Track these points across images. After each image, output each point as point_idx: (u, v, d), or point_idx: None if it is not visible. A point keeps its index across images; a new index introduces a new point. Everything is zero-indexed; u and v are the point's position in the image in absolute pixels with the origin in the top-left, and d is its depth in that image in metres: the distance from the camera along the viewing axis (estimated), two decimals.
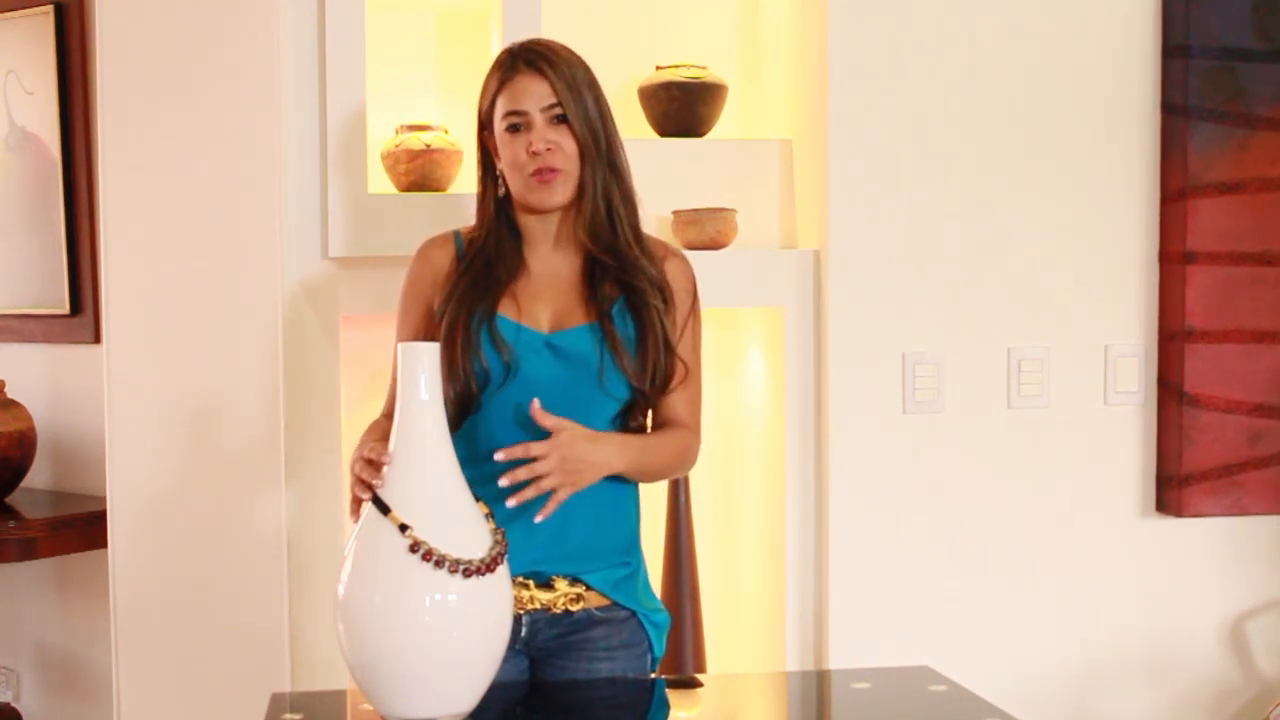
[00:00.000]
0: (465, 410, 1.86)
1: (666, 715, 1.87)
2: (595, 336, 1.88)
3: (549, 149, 1.87)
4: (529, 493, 1.75)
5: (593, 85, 1.92)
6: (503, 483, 1.74)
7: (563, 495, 1.77)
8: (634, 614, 1.94)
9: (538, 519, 1.76)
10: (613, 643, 1.92)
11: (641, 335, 1.88)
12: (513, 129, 1.89)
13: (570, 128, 1.88)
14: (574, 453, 1.78)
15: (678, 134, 2.67)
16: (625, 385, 1.88)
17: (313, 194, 2.48)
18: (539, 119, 1.88)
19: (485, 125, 1.96)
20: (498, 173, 1.95)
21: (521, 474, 1.75)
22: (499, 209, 1.96)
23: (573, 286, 1.93)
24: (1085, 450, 2.67)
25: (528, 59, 1.90)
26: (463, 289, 1.90)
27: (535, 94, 1.88)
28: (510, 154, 1.90)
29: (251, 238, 2.51)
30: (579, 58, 1.93)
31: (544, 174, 1.87)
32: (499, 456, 1.75)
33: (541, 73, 1.88)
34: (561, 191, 1.89)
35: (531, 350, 1.87)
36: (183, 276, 2.61)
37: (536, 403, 1.78)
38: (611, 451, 1.84)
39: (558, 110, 1.88)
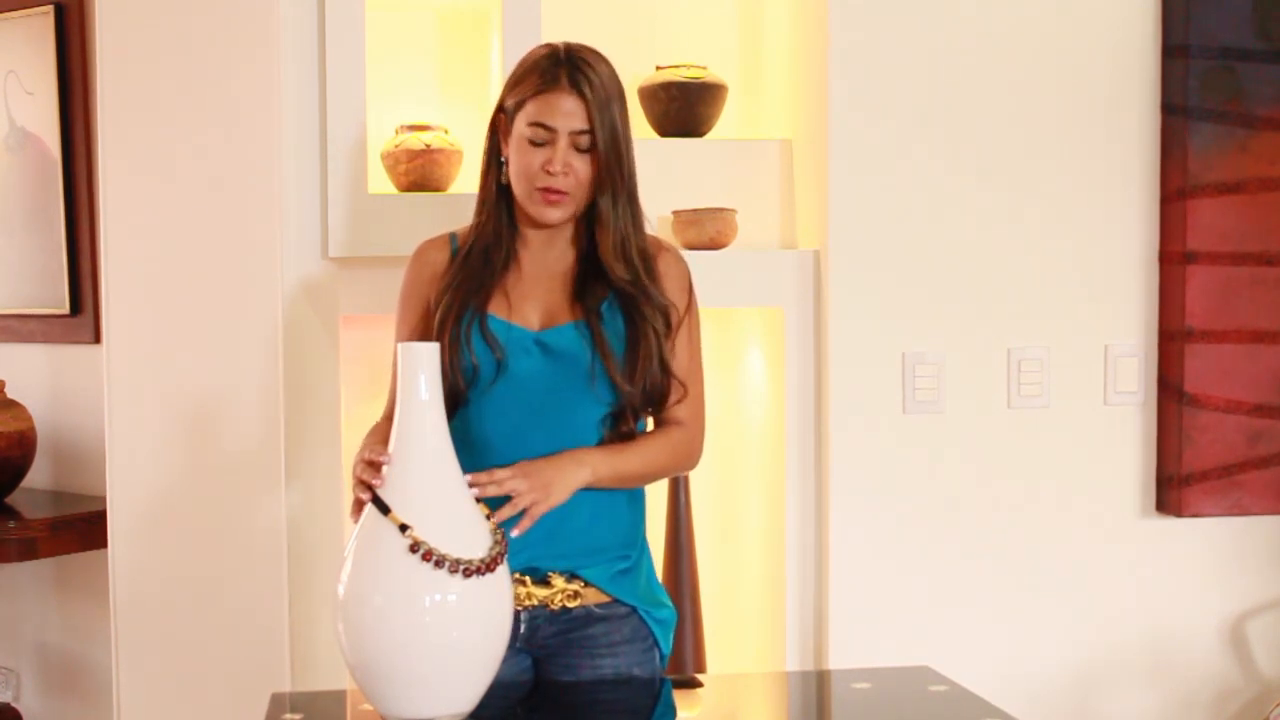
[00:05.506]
0: (454, 405, 1.86)
1: (673, 718, 1.87)
2: (583, 334, 1.87)
3: (565, 173, 1.85)
4: (506, 511, 1.74)
5: (621, 100, 1.89)
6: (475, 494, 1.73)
7: (536, 512, 1.77)
8: (634, 610, 1.93)
9: (515, 533, 1.75)
10: (614, 639, 1.91)
11: (632, 339, 1.87)
12: (534, 141, 1.86)
13: (593, 155, 1.86)
14: (537, 473, 1.78)
15: (678, 134, 2.67)
16: (611, 389, 1.87)
17: (313, 194, 2.48)
18: (564, 140, 1.85)
19: (505, 110, 1.92)
20: (503, 158, 1.93)
21: (492, 490, 1.74)
22: (500, 194, 1.94)
23: (563, 284, 1.92)
24: (1085, 450, 2.67)
25: (571, 74, 1.85)
26: (457, 283, 1.90)
27: (569, 114, 1.84)
28: (524, 162, 1.87)
29: (251, 238, 2.51)
30: (612, 69, 1.89)
31: (551, 195, 1.86)
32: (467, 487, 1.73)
33: (581, 94, 1.84)
34: (561, 214, 1.88)
35: (521, 349, 1.87)
36: (182, 277, 2.61)
37: (494, 472, 1.76)
38: (577, 465, 1.83)
39: (586, 138, 1.85)
